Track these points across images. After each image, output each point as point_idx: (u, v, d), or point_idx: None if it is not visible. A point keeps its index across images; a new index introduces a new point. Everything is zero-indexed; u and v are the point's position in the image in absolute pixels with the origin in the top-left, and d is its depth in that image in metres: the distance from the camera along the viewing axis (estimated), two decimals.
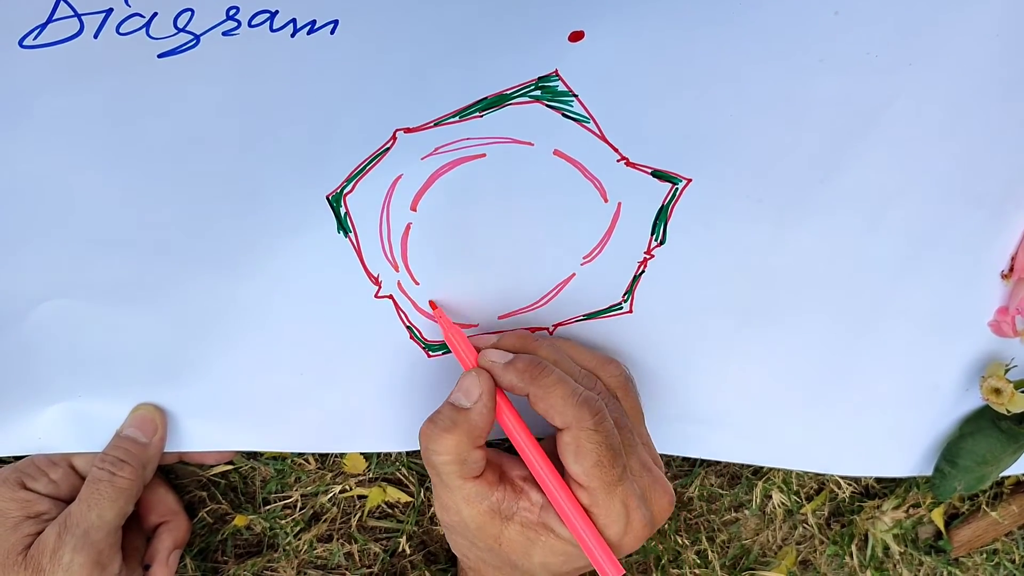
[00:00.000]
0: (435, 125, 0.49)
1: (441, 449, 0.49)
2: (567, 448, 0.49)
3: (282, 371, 0.57)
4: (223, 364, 0.56)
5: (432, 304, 0.55)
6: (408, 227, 0.53)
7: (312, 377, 0.57)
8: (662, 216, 0.54)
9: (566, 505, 0.49)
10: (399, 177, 0.51)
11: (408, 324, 0.56)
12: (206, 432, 0.58)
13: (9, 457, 0.58)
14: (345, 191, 0.51)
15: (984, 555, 0.73)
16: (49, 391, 0.56)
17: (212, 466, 0.63)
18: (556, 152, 0.51)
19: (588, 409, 0.49)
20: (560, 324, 0.58)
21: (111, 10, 0.41)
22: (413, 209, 0.52)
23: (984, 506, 0.71)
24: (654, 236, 0.55)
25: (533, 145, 0.50)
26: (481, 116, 0.49)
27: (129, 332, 0.54)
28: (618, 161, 0.51)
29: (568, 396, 0.49)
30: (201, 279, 0.53)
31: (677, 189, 0.53)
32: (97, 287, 0.52)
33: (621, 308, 0.57)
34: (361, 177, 0.50)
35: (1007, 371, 0.61)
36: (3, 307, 0.52)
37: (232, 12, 0.42)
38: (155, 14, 0.42)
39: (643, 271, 0.56)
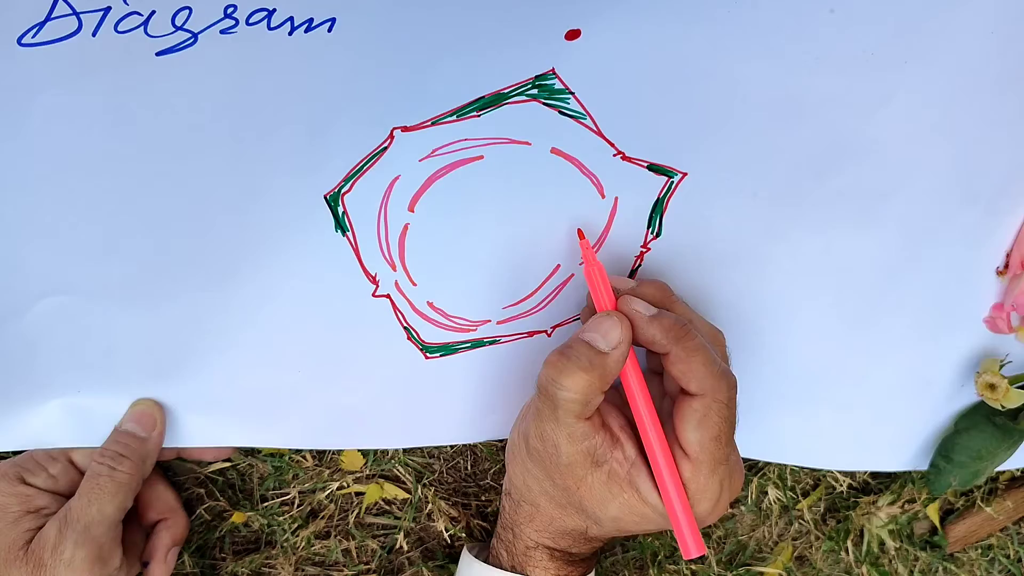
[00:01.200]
0: (432, 124, 0.49)
1: (571, 386, 0.48)
2: (692, 415, 0.48)
3: (280, 368, 0.57)
4: (222, 361, 0.56)
5: (580, 233, 0.53)
6: (406, 227, 0.53)
7: (310, 375, 0.58)
8: (658, 209, 0.54)
9: (666, 472, 0.48)
10: (397, 178, 0.51)
11: (406, 325, 0.56)
12: (204, 428, 0.58)
13: (7, 452, 0.58)
14: (343, 190, 0.51)
15: (979, 550, 0.73)
16: (49, 387, 0.56)
17: (210, 463, 0.63)
18: (553, 150, 0.51)
19: (726, 382, 0.48)
20: (558, 325, 0.58)
21: (109, 8, 0.42)
22: (411, 210, 0.52)
23: (979, 502, 0.71)
24: (650, 229, 0.55)
25: (531, 145, 0.51)
26: (478, 116, 0.49)
27: (128, 328, 0.54)
28: (614, 156, 0.52)
29: (709, 364, 0.48)
30: (200, 276, 0.53)
31: (673, 183, 0.53)
32: (96, 284, 0.52)
33: None
34: (359, 176, 0.50)
35: (1002, 367, 0.61)
36: (3, 303, 0.52)
37: (230, 10, 0.43)
38: (153, 12, 0.42)
39: (640, 265, 0.56)
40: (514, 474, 0.55)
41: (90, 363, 0.56)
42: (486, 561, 0.58)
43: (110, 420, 0.57)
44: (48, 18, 0.42)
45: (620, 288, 0.51)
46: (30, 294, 0.52)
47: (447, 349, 0.58)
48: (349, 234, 0.53)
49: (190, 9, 0.42)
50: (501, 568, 0.57)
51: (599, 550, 0.58)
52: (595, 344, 0.48)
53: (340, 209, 0.51)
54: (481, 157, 0.51)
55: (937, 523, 0.72)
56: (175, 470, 0.63)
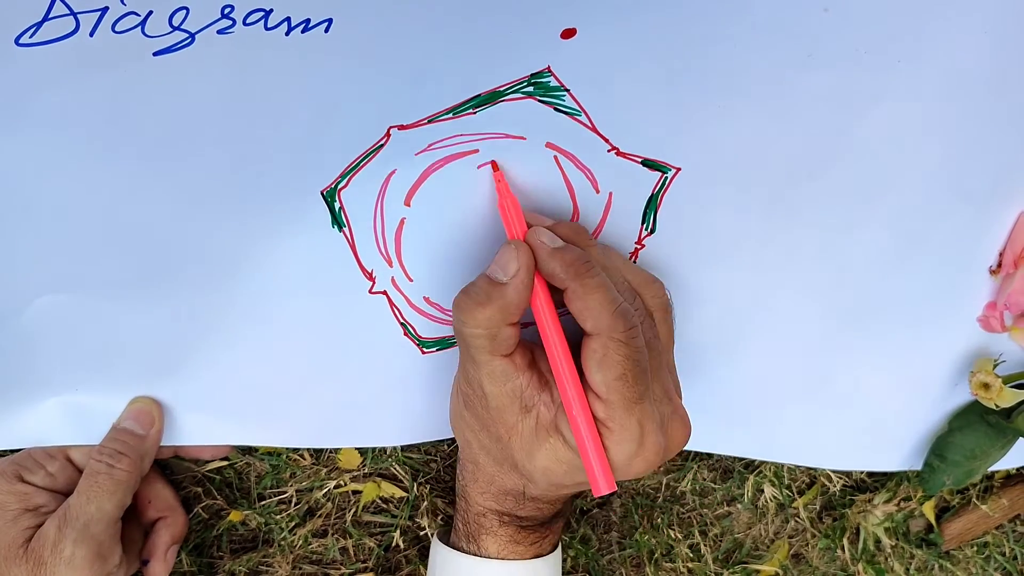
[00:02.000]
0: (429, 122, 0.49)
1: (472, 322, 0.47)
2: (592, 355, 0.47)
3: (277, 366, 0.57)
4: (219, 358, 0.57)
5: (494, 164, 0.52)
6: (402, 222, 0.53)
7: (307, 373, 0.58)
8: (652, 205, 0.54)
9: (576, 407, 0.47)
10: (393, 172, 0.51)
11: (402, 321, 0.57)
12: (202, 426, 0.59)
13: (5, 451, 0.58)
14: (339, 186, 0.51)
15: (975, 548, 0.73)
16: (47, 385, 0.56)
17: (207, 461, 0.63)
18: (548, 144, 0.51)
19: (623, 321, 0.47)
20: None
21: (107, 8, 0.42)
22: (407, 204, 0.52)
23: (975, 499, 0.72)
24: (645, 225, 0.55)
25: (525, 139, 0.51)
26: (474, 113, 0.49)
27: (126, 327, 0.54)
28: (609, 151, 0.52)
29: (607, 302, 0.47)
30: (197, 274, 0.53)
31: (667, 178, 0.53)
32: (94, 282, 0.52)
33: None
34: (355, 173, 0.51)
35: (995, 366, 0.61)
36: (1, 301, 0.53)
37: (227, 10, 0.43)
38: (150, 12, 0.42)
39: (635, 262, 0.56)
40: (456, 430, 0.55)
41: (88, 361, 0.56)
42: (451, 543, 0.59)
43: (108, 418, 0.57)
44: (45, 18, 0.42)
45: (532, 223, 0.51)
46: (28, 292, 0.53)
47: (443, 344, 0.58)
48: (346, 230, 0.53)
49: (187, 9, 0.42)
50: (458, 540, 0.58)
51: (552, 519, 0.57)
52: (494, 276, 0.48)
53: (336, 205, 0.52)
54: (476, 151, 0.51)
55: (933, 521, 0.72)
56: (172, 468, 0.63)
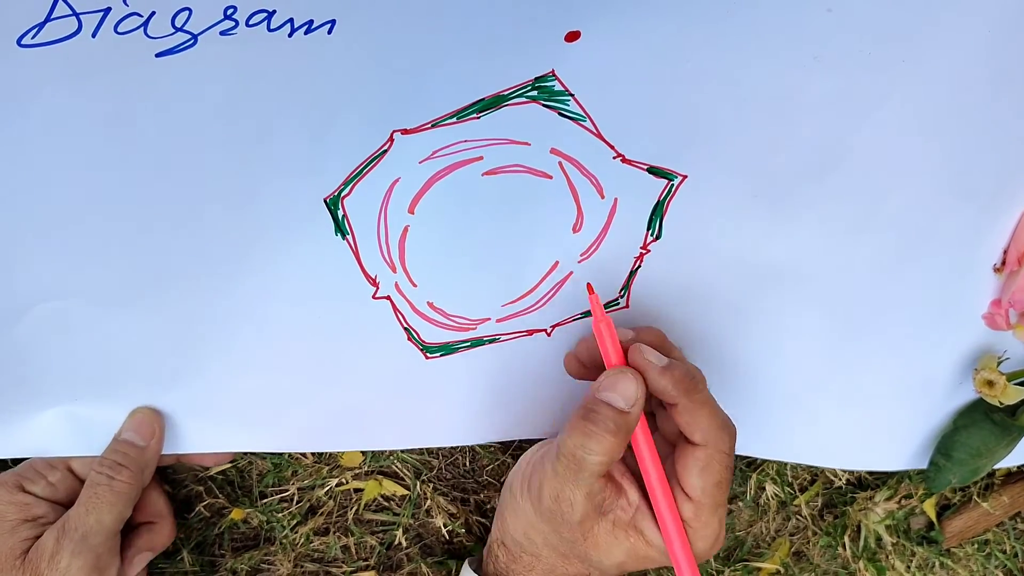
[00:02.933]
0: (432, 126, 0.49)
1: (600, 449, 0.48)
2: (695, 463, 0.49)
3: (280, 372, 0.57)
4: (221, 366, 0.56)
5: (589, 287, 0.52)
6: (406, 230, 0.53)
7: (310, 378, 0.57)
8: (658, 211, 0.54)
9: (669, 522, 0.49)
10: (396, 180, 0.51)
11: (406, 326, 0.56)
12: (204, 434, 0.58)
13: (7, 461, 0.58)
14: (343, 194, 0.51)
15: (976, 545, 0.73)
16: (47, 395, 0.56)
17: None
18: (553, 150, 0.51)
19: (728, 433, 0.49)
20: (557, 324, 0.58)
21: (109, 9, 0.41)
22: (411, 212, 0.52)
23: (975, 497, 0.72)
24: (650, 231, 0.55)
25: (530, 145, 0.51)
26: (478, 117, 0.49)
27: (127, 335, 0.54)
28: (614, 158, 0.51)
29: (714, 416, 0.49)
30: (198, 281, 0.53)
31: (673, 185, 0.53)
32: (94, 289, 0.52)
33: (618, 304, 0.58)
34: (359, 180, 0.50)
35: (1000, 363, 0.61)
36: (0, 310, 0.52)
37: (230, 11, 0.42)
38: (153, 13, 0.42)
39: (639, 266, 0.56)
40: (513, 528, 0.54)
41: (88, 371, 0.55)
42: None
43: (109, 428, 0.57)
44: (48, 19, 0.41)
45: (623, 339, 0.51)
46: (27, 300, 0.52)
47: (447, 348, 0.58)
48: (349, 237, 0.52)
49: (190, 10, 0.42)
50: None
51: None
52: (615, 404, 0.49)
53: (340, 213, 0.51)
54: (480, 158, 0.51)
55: (934, 518, 0.72)
56: (174, 468, 0.63)
